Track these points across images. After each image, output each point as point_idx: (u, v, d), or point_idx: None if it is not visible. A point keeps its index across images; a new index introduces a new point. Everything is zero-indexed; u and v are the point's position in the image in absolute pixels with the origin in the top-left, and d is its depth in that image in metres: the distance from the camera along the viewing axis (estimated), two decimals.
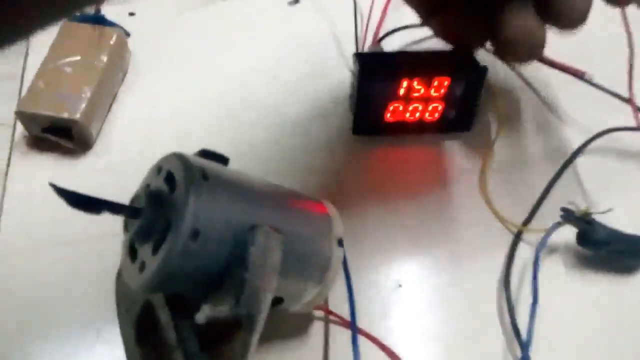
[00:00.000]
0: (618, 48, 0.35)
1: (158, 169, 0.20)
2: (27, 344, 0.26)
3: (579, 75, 0.36)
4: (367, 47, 0.37)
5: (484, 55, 0.32)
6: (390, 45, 0.37)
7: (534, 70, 0.38)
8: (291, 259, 0.21)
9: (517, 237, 0.30)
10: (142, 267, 0.19)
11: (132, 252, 0.20)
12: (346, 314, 0.26)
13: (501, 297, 0.28)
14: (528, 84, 0.38)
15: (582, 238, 0.28)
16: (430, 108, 0.32)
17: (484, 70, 0.31)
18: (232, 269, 0.19)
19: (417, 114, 0.33)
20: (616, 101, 0.34)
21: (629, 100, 0.34)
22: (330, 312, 0.27)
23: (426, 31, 0.38)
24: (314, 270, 0.23)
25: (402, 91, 0.31)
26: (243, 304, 0.18)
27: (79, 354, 0.26)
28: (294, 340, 0.26)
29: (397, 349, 0.26)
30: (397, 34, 0.38)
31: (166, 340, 0.20)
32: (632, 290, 0.29)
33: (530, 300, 0.27)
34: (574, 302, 0.28)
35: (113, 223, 0.21)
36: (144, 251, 0.19)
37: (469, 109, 0.33)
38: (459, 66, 0.31)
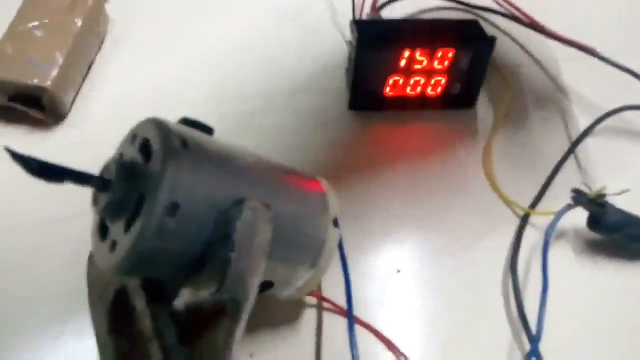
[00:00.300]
0: (629, 21, 0.33)
1: (133, 136, 0.18)
2: None
3: (589, 50, 0.34)
4: (365, 15, 0.34)
5: (488, 28, 0.30)
6: (392, 15, 0.35)
7: (541, 45, 0.36)
8: (282, 239, 0.18)
9: (524, 221, 0.28)
10: (113, 247, 0.17)
11: (102, 229, 0.18)
12: (341, 301, 0.24)
13: (506, 284, 0.26)
14: (535, 60, 0.36)
15: (593, 222, 0.27)
16: (433, 82, 0.30)
17: (492, 40, 0.29)
18: (215, 249, 0.17)
19: (419, 89, 0.31)
20: (628, 77, 0.32)
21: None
22: (324, 299, 0.25)
23: (430, 0, 0.36)
24: (307, 252, 0.21)
25: (403, 62, 0.29)
26: (227, 288, 0.16)
27: (44, 345, 0.23)
28: (285, 329, 0.24)
29: (395, 339, 0.24)
30: (399, 2, 0.35)
31: (142, 330, 0.18)
32: None
33: (537, 287, 0.25)
34: (584, 290, 0.26)
35: (86, 201, 0.19)
36: (116, 229, 0.17)
37: (474, 84, 0.31)
38: (465, 37, 0.29)
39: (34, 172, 0.15)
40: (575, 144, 0.31)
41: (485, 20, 0.36)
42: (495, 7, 0.37)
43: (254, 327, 0.17)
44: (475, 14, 0.37)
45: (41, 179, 0.15)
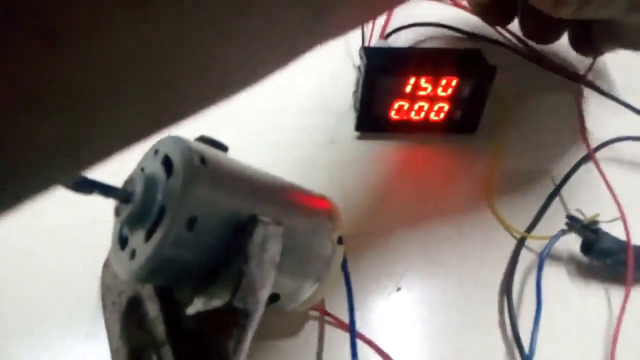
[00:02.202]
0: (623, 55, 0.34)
1: (154, 151, 0.19)
2: (4, 339, 0.24)
3: (588, 83, 0.35)
4: (373, 42, 0.36)
5: (492, 56, 0.31)
6: (398, 42, 0.37)
7: (543, 74, 0.37)
8: (290, 254, 0.19)
9: (520, 244, 0.29)
10: (132, 255, 0.18)
11: (122, 239, 0.19)
12: (343, 316, 0.25)
13: (502, 304, 0.27)
14: (537, 87, 0.37)
15: (586, 247, 0.28)
16: (436, 108, 0.32)
17: (493, 70, 0.30)
18: (228, 261, 0.18)
19: (423, 113, 0.32)
20: (622, 108, 0.34)
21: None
22: (327, 313, 0.25)
23: (434, 29, 0.38)
24: (313, 267, 0.21)
25: (408, 88, 0.30)
26: (239, 298, 0.17)
27: (60, 349, 0.24)
28: (287, 341, 0.25)
29: (393, 354, 0.25)
30: (405, 31, 0.37)
31: (155, 335, 0.19)
32: (636, 301, 0.28)
33: (531, 309, 0.26)
34: (577, 312, 0.27)
35: (101, 208, 0.20)
36: (136, 238, 0.18)
37: (475, 111, 0.32)
38: (467, 66, 0.31)
39: (64, 183, 0.16)
40: (572, 170, 0.32)
41: (490, 47, 0.37)
42: (499, 38, 0.38)
43: (257, 338, 0.18)
44: (479, 43, 0.38)
45: (72, 190, 0.16)
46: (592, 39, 0.33)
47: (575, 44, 0.34)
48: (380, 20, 0.37)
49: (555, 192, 0.31)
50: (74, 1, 0.07)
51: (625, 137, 0.33)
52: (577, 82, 0.36)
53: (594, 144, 0.33)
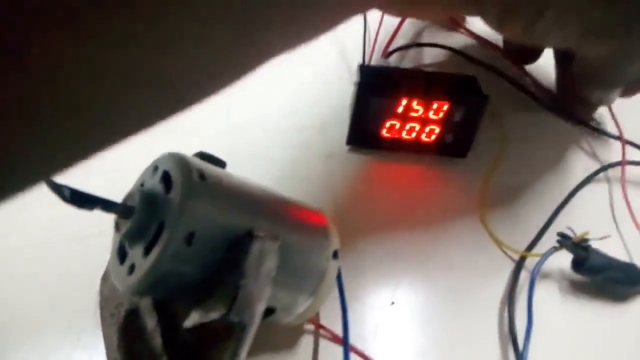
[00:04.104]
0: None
1: (154, 167, 0.20)
2: (3, 349, 0.25)
3: (582, 122, 0.37)
4: (374, 60, 0.37)
5: (490, 79, 0.32)
6: (399, 62, 0.37)
7: (538, 105, 0.38)
8: (286, 268, 0.20)
9: (521, 263, 0.29)
10: (131, 269, 0.18)
11: (121, 253, 0.19)
12: (337, 329, 0.25)
13: (494, 319, 0.28)
14: (533, 108, 0.38)
15: (576, 264, 0.28)
16: (427, 129, 0.32)
17: (484, 100, 0.30)
18: (225, 275, 0.18)
19: (414, 134, 0.32)
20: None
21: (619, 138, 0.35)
22: (321, 327, 0.26)
23: (437, 51, 0.38)
24: (308, 281, 0.22)
25: (400, 109, 0.31)
26: (235, 312, 0.17)
27: (57, 357, 0.25)
28: (282, 354, 0.25)
29: None
30: (410, 51, 0.38)
31: (152, 348, 0.19)
32: (625, 317, 0.28)
33: (522, 323, 0.26)
34: (568, 328, 0.28)
35: (99, 222, 0.20)
36: (135, 252, 0.18)
37: (466, 136, 0.33)
38: (460, 92, 0.31)
39: (68, 199, 0.16)
40: (570, 195, 0.33)
41: (493, 76, 0.38)
42: (500, 66, 0.39)
43: (252, 350, 0.18)
44: (480, 69, 0.39)
45: (73, 205, 0.17)
46: (575, 86, 0.33)
47: (567, 96, 0.35)
48: (384, 38, 0.38)
49: (557, 211, 0.32)
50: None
51: (618, 162, 0.34)
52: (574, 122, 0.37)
53: (587, 167, 0.34)
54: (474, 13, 0.27)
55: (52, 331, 0.25)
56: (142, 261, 0.18)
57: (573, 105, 0.35)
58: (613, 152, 0.36)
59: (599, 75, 0.30)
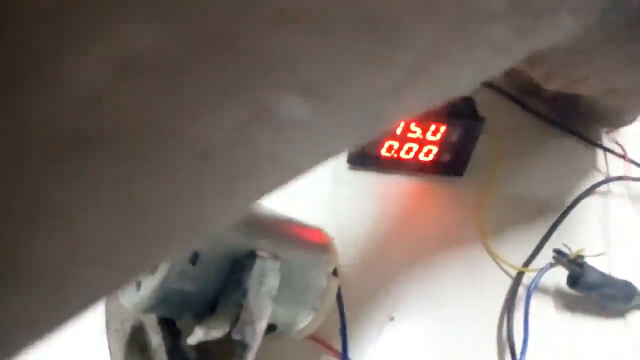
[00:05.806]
0: None
1: None
2: None
3: (579, 134, 0.37)
4: None
5: (488, 97, 0.32)
6: None
7: (535, 123, 0.39)
8: (287, 286, 0.21)
9: (519, 278, 0.30)
10: (138, 287, 0.19)
11: None
12: (337, 344, 0.26)
13: (498, 336, 0.28)
14: (531, 122, 0.38)
15: (572, 280, 0.29)
16: (425, 150, 0.33)
17: (480, 122, 0.31)
18: (228, 293, 0.19)
19: (412, 154, 0.33)
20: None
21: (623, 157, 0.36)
22: (321, 342, 0.26)
23: None
24: (309, 298, 0.23)
25: (399, 130, 0.32)
26: (238, 329, 0.18)
27: None
28: None
29: None
30: None
31: None
32: (620, 333, 0.29)
33: (518, 338, 0.27)
34: (564, 342, 0.28)
35: None
36: None
37: (463, 156, 0.33)
38: (457, 115, 0.32)
39: None
40: (567, 211, 0.33)
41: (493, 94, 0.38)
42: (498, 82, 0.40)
43: None
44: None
45: None
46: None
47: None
48: None
49: (554, 227, 0.32)
50: None
51: (616, 177, 0.35)
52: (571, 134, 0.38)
53: (584, 183, 0.35)
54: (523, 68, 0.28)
55: (58, 344, 0.26)
56: (149, 279, 0.18)
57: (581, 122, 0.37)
58: (610, 167, 0.37)
59: (611, 118, 0.34)
